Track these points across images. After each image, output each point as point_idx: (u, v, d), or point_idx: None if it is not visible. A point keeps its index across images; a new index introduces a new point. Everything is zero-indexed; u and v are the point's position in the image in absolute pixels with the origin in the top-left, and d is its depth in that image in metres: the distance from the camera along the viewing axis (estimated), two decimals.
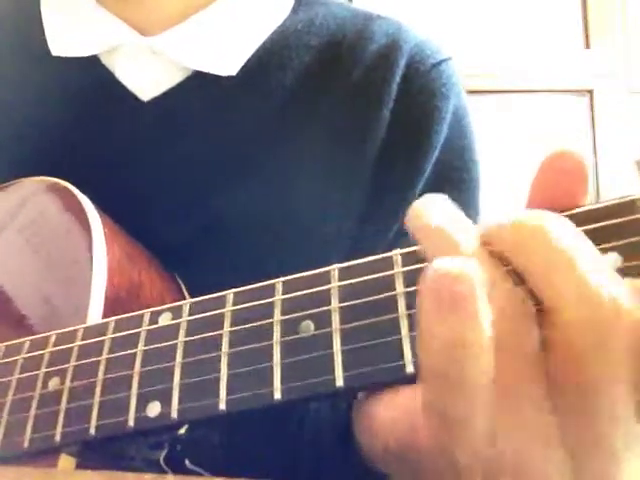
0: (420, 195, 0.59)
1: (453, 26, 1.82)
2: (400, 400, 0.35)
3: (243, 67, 0.60)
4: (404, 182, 0.60)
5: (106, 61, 0.61)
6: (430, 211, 0.30)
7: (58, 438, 0.39)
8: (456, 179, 0.62)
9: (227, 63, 0.60)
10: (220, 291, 0.38)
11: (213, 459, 0.46)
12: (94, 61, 0.60)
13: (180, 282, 0.55)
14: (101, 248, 0.48)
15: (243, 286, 0.37)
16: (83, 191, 0.52)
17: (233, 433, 0.48)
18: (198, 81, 0.60)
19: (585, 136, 1.79)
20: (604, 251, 0.28)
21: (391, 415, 0.36)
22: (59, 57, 0.61)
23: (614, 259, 0.28)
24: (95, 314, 0.45)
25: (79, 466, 0.40)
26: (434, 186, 0.61)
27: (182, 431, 0.39)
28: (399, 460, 0.37)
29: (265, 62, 0.61)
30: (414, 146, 0.61)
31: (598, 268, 0.27)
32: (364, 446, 0.42)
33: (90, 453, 0.40)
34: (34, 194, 0.54)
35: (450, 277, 0.26)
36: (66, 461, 0.40)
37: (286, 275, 0.36)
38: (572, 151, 0.31)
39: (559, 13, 1.88)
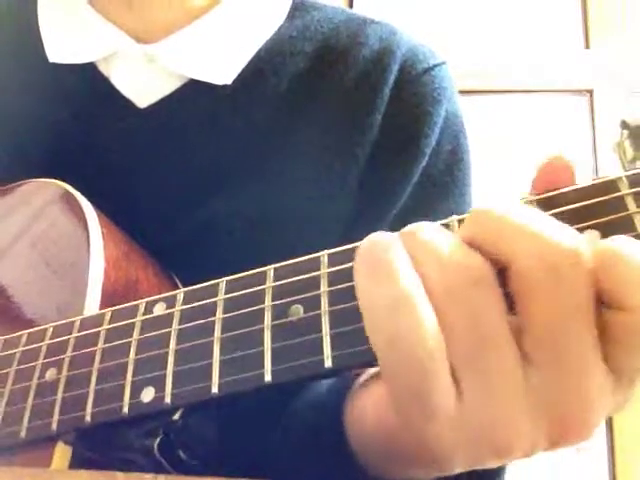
0: (408, 199, 0.60)
1: (453, 26, 1.83)
2: (372, 389, 0.37)
3: (238, 75, 0.61)
4: (392, 186, 0.61)
5: (103, 68, 0.61)
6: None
7: (54, 426, 0.40)
8: (441, 185, 0.62)
9: (223, 72, 0.60)
10: None
11: (207, 451, 0.46)
12: (91, 68, 0.61)
13: (177, 281, 0.55)
14: (98, 246, 0.49)
15: None
16: (82, 195, 0.53)
17: (228, 425, 0.48)
18: (194, 89, 0.60)
19: (585, 136, 1.79)
20: (584, 229, 0.29)
21: (364, 403, 0.38)
22: (56, 64, 0.61)
23: (592, 236, 0.29)
24: (92, 309, 0.45)
25: (75, 455, 0.41)
26: (419, 191, 0.61)
27: (176, 417, 0.39)
28: (377, 448, 0.37)
29: (260, 69, 0.61)
30: (404, 151, 0.61)
31: (539, 219, 0.29)
32: (354, 440, 0.42)
33: (86, 442, 0.41)
34: (32, 195, 0.55)
35: (376, 245, 0.31)
36: (62, 450, 0.41)
37: None
38: (559, 157, 0.33)
39: (559, 13, 1.89)
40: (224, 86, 0.60)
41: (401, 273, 0.29)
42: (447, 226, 0.32)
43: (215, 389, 0.35)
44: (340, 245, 0.58)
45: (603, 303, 0.28)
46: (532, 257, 0.28)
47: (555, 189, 0.31)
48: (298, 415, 0.50)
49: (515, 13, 1.86)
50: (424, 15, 1.83)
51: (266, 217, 0.59)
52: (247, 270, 0.38)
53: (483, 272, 0.29)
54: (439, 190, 0.62)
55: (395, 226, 0.59)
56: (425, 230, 0.31)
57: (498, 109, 1.79)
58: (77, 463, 0.41)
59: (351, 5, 1.83)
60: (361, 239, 0.59)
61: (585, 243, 0.28)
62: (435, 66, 0.64)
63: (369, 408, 0.38)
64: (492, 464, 0.31)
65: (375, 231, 0.58)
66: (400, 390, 0.29)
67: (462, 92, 0.67)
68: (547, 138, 1.76)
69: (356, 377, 0.44)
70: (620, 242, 0.28)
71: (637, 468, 1.56)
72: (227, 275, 0.39)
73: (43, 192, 0.55)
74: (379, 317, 0.29)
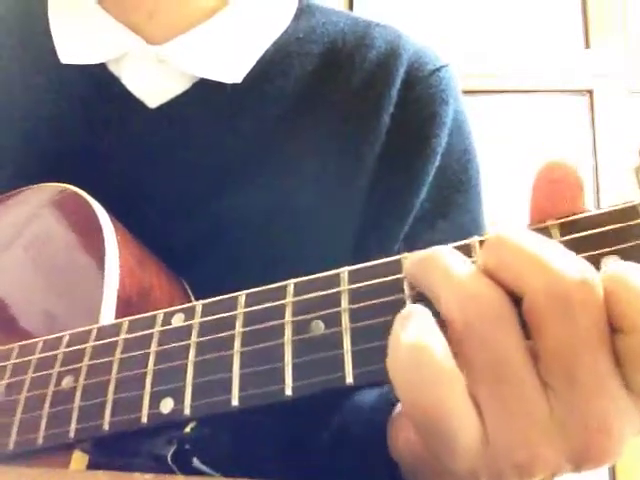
0: (425, 202, 0.61)
1: (453, 26, 1.83)
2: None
3: (247, 75, 0.61)
4: (405, 188, 0.61)
5: (113, 69, 0.62)
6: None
7: (72, 435, 0.40)
8: (457, 184, 0.63)
9: (232, 71, 0.61)
10: (224, 293, 0.39)
11: (221, 458, 0.47)
12: (102, 69, 0.61)
13: (187, 287, 0.56)
14: (113, 253, 0.49)
15: (246, 288, 0.38)
16: (94, 199, 0.53)
17: (242, 433, 0.49)
18: (203, 88, 0.61)
19: (585, 136, 1.80)
20: (604, 256, 0.29)
21: (405, 434, 0.39)
22: (67, 64, 0.62)
23: (612, 262, 0.29)
24: (107, 316, 0.46)
25: (91, 462, 0.41)
26: (437, 192, 0.62)
27: (188, 429, 0.40)
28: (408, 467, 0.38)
29: (268, 70, 0.62)
30: (414, 152, 0.62)
31: (549, 248, 0.30)
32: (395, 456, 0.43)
33: (102, 449, 0.41)
34: (48, 201, 0.55)
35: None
36: (79, 457, 0.41)
37: (289, 278, 0.37)
38: (562, 162, 0.33)
39: (559, 13, 1.89)
40: (233, 86, 0.60)
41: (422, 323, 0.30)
42: (468, 246, 0.33)
43: (235, 402, 0.35)
44: (353, 252, 0.59)
45: (613, 328, 0.29)
46: (541, 290, 0.29)
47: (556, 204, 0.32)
48: (344, 432, 0.51)
49: (515, 14, 1.87)
50: (424, 15, 1.83)
51: (275, 217, 0.59)
52: (256, 271, 0.38)
53: (502, 307, 0.29)
54: (456, 190, 0.63)
55: (415, 229, 0.61)
56: (444, 258, 0.31)
57: (498, 109, 1.80)
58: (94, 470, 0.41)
59: (351, 8, 1.83)
60: (377, 243, 0.60)
61: (594, 273, 0.29)
62: (441, 68, 0.64)
63: (399, 431, 0.39)
64: None
65: (392, 234, 0.59)
66: (421, 427, 0.30)
67: (463, 92, 0.67)
68: (547, 138, 1.77)
69: None
70: (624, 267, 0.29)
71: (637, 468, 1.57)
72: (235, 276, 0.39)
73: (56, 197, 0.55)
74: (401, 362, 0.29)
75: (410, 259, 0.33)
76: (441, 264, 0.31)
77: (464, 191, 0.63)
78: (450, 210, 0.62)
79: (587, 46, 1.87)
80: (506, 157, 1.73)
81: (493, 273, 0.30)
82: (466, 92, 0.68)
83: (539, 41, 1.86)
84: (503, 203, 1.30)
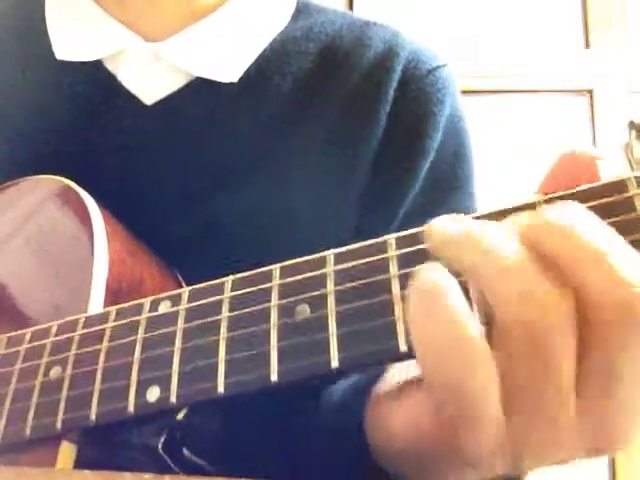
0: (415, 198, 0.60)
1: (453, 27, 1.83)
2: (411, 401, 0.37)
3: (244, 73, 0.61)
4: (400, 186, 0.61)
5: (110, 65, 0.62)
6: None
7: (59, 425, 0.40)
8: (449, 182, 0.63)
9: (229, 70, 0.61)
10: None
11: (212, 449, 0.46)
12: (98, 65, 0.61)
13: (181, 280, 0.55)
14: (102, 244, 0.49)
15: None
16: (87, 192, 0.53)
17: (233, 423, 0.49)
18: (200, 86, 0.61)
19: (585, 136, 1.80)
20: None
21: (405, 416, 0.38)
22: (63, 61, 0.62)
23: None
24: (96, 305, 0.45)
25: (79, 453, 0.41)
26: (430, 188, 0.62)
27: (180, 416, 0.39)
28: (419, 460, 0.37)
29: (265, 68, 0.62)
30: (409, 150, 0.62)
31: (623, 254, 0.28)
32: (377, 445, 0.42)
33: (90, 440, 0.41)
34: (36, 192, 0.55)
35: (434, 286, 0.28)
36: (67, 448, 0.41)
37: None
38: (582, 151, 0.33)
39: (559, 13, 1.89)
40: (229, 84, 0.61)
41: (459, 315, 0.28)
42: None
43: (221, 389, 0.35)
44: (348, 241, 0.59)
45: None
46: (606, 293, 0.27)
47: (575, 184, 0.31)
48: (318, 416, 0.50)
49: (515, 13, 1.87)
50: (424, 15, 1.83)
51: (269, 215, 0.59)
52: (250, 268, 0.38)
53: (561, 315, 0.27)
54: (447, 189, 0.63)
55: (406, 224, 0.60)
56: (489, 237, 0.29)
57: (498, 109, 1.80)
58: (82, 461, 0.41)
59: (351, 7, 1.83)
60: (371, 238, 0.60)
61: None
62: (438, 67, 0.64)
63: (401, 411, 0.37)
64: (529, 468, 0.31)
65: (384, 230, 0.59)
66: (448, 412, 0.29)
67: (463, 92, 0.67)
68: (547, 138, 1.77)
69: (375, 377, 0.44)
70: None
71: (637, 468, 1.56)
72: (229, 273, 0.39)
73: (45, 189, 0.55)
74: (436, 356, 0.29)
75: (436, 226, 0.32)
76: (486, 246, 0.29)
77: (455, 189, 0.63)
78: (441, 209, 0.62)
79: (587, 46, 1.87)
80: (506, 157, 1.72)
81: (548, 259, 0.28)
82: (466, 92, 0.68)
83: (539, 41, 1.86)
84: (503, 203, 1.30)
